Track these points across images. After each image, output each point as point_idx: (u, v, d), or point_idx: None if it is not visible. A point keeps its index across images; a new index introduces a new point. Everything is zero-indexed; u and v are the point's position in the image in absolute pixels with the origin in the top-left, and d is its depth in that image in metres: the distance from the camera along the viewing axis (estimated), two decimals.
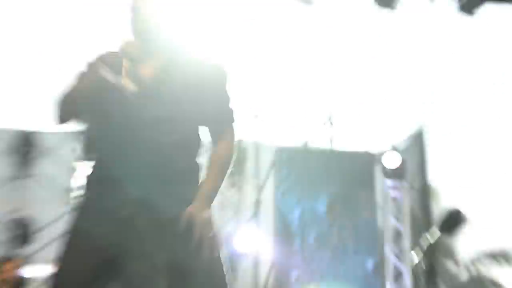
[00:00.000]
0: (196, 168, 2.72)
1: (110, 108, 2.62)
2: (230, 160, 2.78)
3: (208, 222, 2.57)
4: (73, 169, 8.78)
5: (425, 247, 8.10)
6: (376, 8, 8.60)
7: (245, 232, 8.61)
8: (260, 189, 9.05)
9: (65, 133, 9.02)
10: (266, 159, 9.33)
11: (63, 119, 2.66)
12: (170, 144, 2.59)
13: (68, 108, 2.64)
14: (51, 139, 9.12)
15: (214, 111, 2.75)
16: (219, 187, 2.72)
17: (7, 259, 6.72)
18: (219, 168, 2.72)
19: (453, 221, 6.27)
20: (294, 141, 9.61)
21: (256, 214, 8.85)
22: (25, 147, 8.92)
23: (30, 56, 8.14)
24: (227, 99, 2.80)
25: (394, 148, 9.73)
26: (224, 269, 2.64)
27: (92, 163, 2.69)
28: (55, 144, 9.07)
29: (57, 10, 7.97)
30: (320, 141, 9.66)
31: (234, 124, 2.82)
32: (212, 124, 2.77)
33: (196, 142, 2.75)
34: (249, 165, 9.32)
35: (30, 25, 8.00)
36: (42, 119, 8.62)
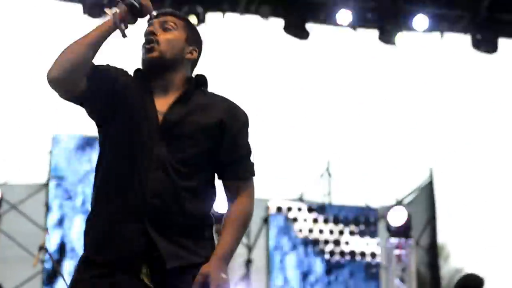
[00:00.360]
0: (210, 221, 2.65)
1: (126, 135, 2.54)
2: (250, 217, 2.70)
3: (226, 284, 2.50)
4: (44, 226, 8.43)
5: None
6: (378, 49, 8.22)
7: None
8: (250, 247, 8.80)
9: (37, 185, 8.71)
10: (257, 214, 8.69)
11: (58, 79, 2.46)
12: (184, 190, 2.50)
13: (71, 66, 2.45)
14: (21, 192, 8.68)
15: (236, 161, 2.65)
16: (237, 246, 2.66)
17: None
18: (239, 225, 2.62)
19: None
20: (287, 194, 9.34)
21: (247, 274, 8.63)
22: None
23: None
24: (250, 150, 2.71)
25: (399, 202, 9.38)
26: None
27: (92, 199, 2.60)
28: (25, 197, 8.66)
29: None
30: (316, 194, 9.43)
31: (254, 179, 2.71)
32: (231, 175, 2.66)
33: (213, 193, 2.66)
34: None
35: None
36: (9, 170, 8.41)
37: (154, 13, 2.61)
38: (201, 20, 7.88)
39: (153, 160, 2.51)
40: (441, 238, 9.89)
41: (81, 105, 2.59)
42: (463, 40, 8.52)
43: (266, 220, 8.85)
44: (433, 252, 9.96)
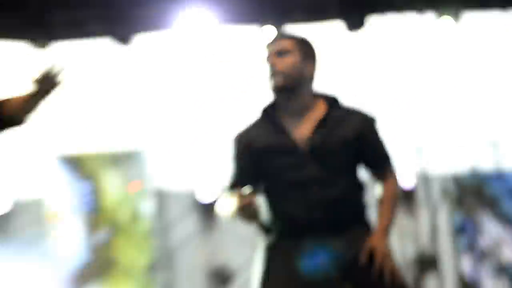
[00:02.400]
0: (363, 210, 2.96)
1: (277, 169, 2.85)
2: (398, 198, 3.00)
3: (389, 253, 2.78)
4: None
5: None
6: None
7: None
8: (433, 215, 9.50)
9: None
10: (436, 189, 9.65)
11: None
12: (340, 195, 2.82)
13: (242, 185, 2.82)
14: None
15: (374, 159, 2.98)
16: (393, 222, 2.93)
17: None
18: (393, 204, 2.93)
19: None
20: (462, 167, 9.63)
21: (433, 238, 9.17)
22: None
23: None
24: (383, 145, 3.00)
25: None
26: None
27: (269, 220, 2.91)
28: None
29: None
30: (488, 165, 9.60)
31: (394, 166, 3.01)
32: (378, 170, 3.00)
33: (360, 187, 2.97)
34: (420, 196, 9.62)
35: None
36: None
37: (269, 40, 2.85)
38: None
39: (309, 182, 2.79)
40: None
41: None
42: None
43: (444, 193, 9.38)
44: None
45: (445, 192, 9.57)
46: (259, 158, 2.87)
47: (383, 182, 2.94)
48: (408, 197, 9.38)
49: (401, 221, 8.98)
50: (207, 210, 9.50)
